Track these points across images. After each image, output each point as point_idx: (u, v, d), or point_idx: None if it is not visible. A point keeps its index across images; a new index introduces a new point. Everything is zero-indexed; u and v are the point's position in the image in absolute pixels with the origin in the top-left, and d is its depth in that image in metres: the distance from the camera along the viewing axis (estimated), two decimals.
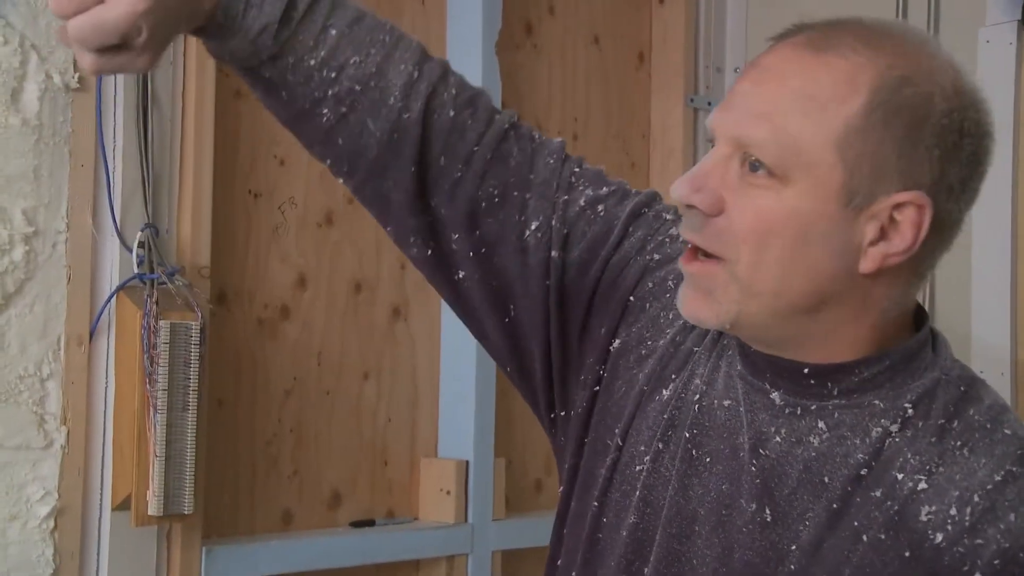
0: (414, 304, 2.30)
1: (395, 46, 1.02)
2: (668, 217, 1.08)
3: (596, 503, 1.03)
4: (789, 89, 0.90)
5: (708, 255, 0.92)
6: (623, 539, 0.99)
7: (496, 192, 1.04)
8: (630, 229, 1.07)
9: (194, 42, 1.88)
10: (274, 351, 2.10)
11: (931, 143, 0.89)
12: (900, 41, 0.91)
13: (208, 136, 1.91)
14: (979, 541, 0.87)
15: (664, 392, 1.02)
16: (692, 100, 2.76)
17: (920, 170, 0.89)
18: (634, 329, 1.05)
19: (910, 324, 0.97)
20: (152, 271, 1.81)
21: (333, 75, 0.99)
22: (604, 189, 1.08)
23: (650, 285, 1.05)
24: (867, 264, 0.90)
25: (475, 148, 1.04)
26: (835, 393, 0.94)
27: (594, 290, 1.06)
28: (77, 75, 1.77)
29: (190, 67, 1.89)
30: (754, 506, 0.93)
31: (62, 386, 1.75)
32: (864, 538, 0.89)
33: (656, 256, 1.06)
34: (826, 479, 0.92)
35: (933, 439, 0.92)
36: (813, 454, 0.93)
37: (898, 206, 0.89)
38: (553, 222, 1.05)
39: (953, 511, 0.88)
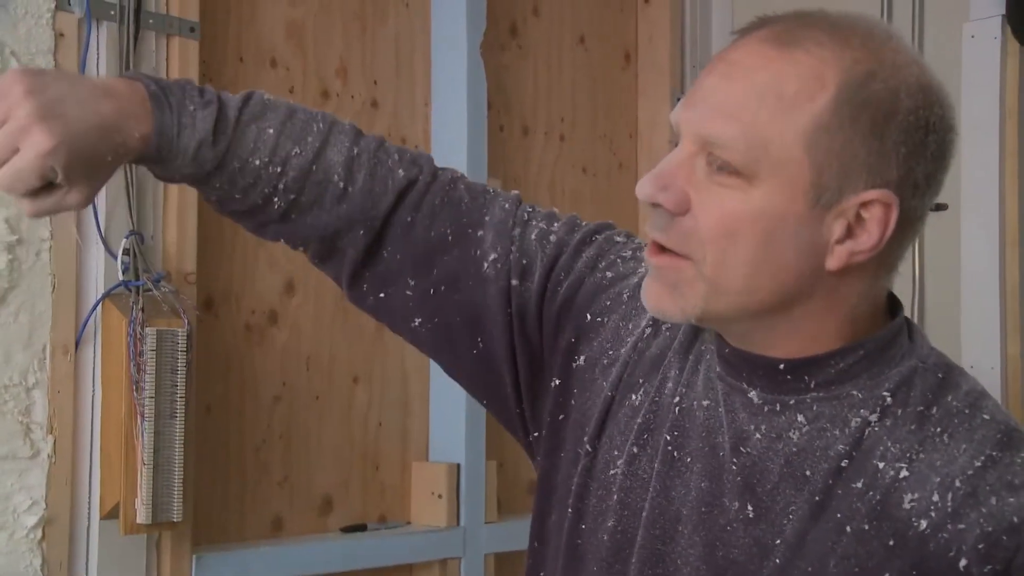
0: None
1: (330, 131, 1.08)
2: (619, 240, 1.11)
3: (571, 510, 1.03)
4: (755, 86, 0.89)
5: (674, 253, 0.92)
6: (603, 542, 0.99)
7: (449, 232, 1.09)
8: (582, 253, 1.09)
9: (177, 47, 1.88)
10: (263, 357, 2.09)
11: (898, 140, 0.88)
12: (865, 35, 0.91)
13: None
14: (962, 526, 0.87)
15: (634, 397, 1.02)
16: (679, 99, 2.76)
17: (887, 167, 0.88)
18: (595, 344, 1.06)
19: (883, 313, 0.97)
20: (138, 278, 1.80)
21: (279, 169, 1.05)
22: (555, 223, 1.12)
23: (607, 302, 1.07)
24: (833, 262, 0.90)
25: (424, 195, 1.09)
26: (812, 386, 0.93)
27: (554, 312, 1.08)
28: None
29: (172, 72, 1.88)
30: (736, 504, 0.93)
31: (48, 395, 1.75)
32: (848, 529, 0.89)
33: (609, 274, 1.08)
34: (807, 472, 0.92)
35: (913, 426, 0.91)
36: (794, 449, 0.93)
37: (865, 204, 0.88)
38: (511, 253, 1.08)
39: (935, 498, 0.88)
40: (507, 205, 1.12)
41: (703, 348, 1.01)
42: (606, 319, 1.07)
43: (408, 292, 1.09)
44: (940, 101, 0.91)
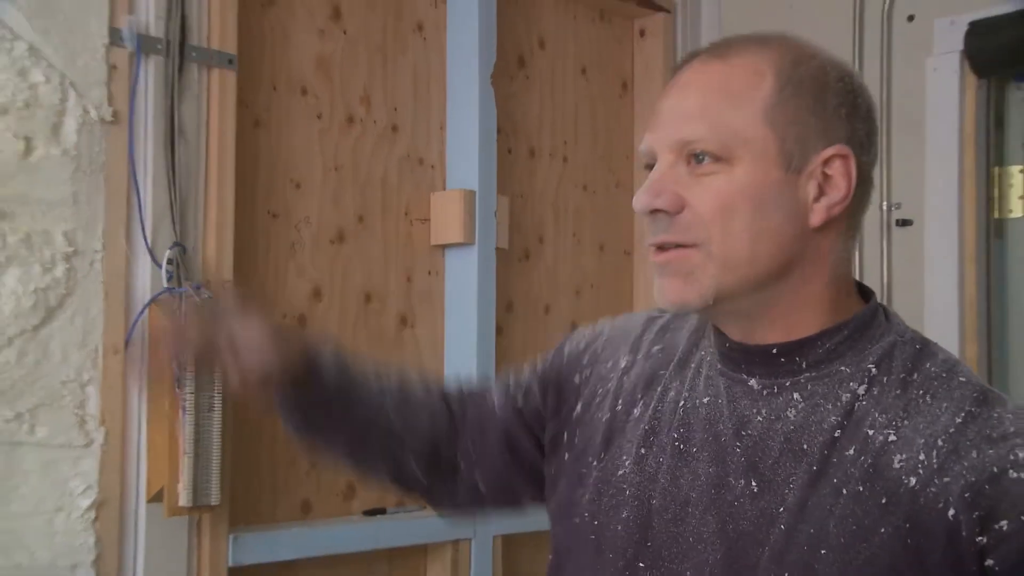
0: (419, 313, 2.31)
1: (415, 392, 1.21)
2: (579, 329, 1.19)
3: (586, 514, 1.04)
4: (709, 90, 0.95)
5: (679, 246, 0.95)
6: (618, 533, 1.00)
7: (479, 438, 1.19)
8: (561, 351, 1.18)
9: (217, 78, 1.90)
10: None
11: (837, 103, 0.95)
12: (782, 39, 0.99)
13: (230, 162, 1.91)
14: (948, 479, 0.87)
15: (636, 411, 1.05)
16: None
17: (836, 127, 0.95)
18: (586, 392, 1.12)
19: (857, 298, 1.00)
20: (180, 285, 1.80)
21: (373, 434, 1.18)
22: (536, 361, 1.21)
23: (585, 360, 1.14)
24: (816, 218, 0.94)
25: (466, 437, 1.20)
26: (804, 367, 0.96)
27: (553, 397, 1.15)
28: (111, 109, 1.77)
29: (213, 100, 1.89)
30: (742, 481, 0.94)
31: (100, 390, 1.75)
32: (844, 492, 0.90)
33: (581, 344, 1.16)
34: (804, 446, 0.93)
35: (898, 391, 0.93)
36: (791, 426, 0.94)
37: (827, 161, 0.94)
38: (510, 390, 1.20)
39: (922, 456, 0.89)
40: (501, 381, 1.22)
41: (702, 355, 1.04)
42: (590, 372, 1.13)
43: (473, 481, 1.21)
44: (856, 75, 0.98)
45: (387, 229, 2.27)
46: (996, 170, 2.40)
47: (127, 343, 1.78)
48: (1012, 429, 0.88)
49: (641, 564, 0.98)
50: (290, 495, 2.09)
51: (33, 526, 1.68)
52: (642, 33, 2.77)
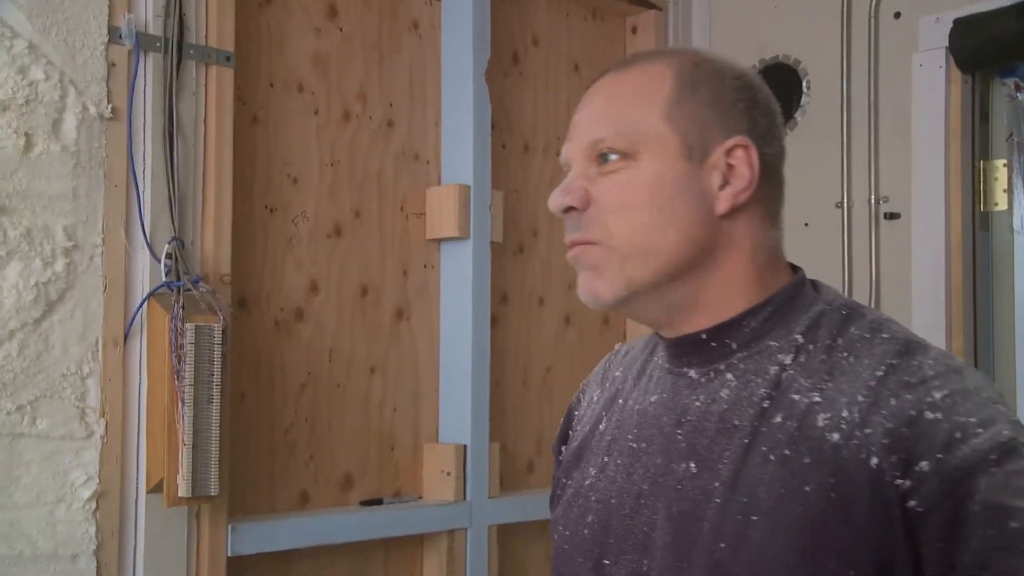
0: (415, 306, 2.32)
1: None
2: (578, 393, 1.20)
3: (560, 526, 1.07)
4: (615, 95, 0.99)
5: (586, 242, 0.98)
6: (584, 537, 1.02)
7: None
8: (570, 413, 1.19)
9: (215, 75, 1.90)
10: (290, 349, 2.10)
11: (735, 98, 0.97)
12: (684, 51, 1.02)
13: (228, 158, 1.91)
14: (869, 430, 0.87)
15: (601, 426, 1.08)
16: None
17: (735, 120, 0.97)
18: (571, 433, 1.15)
19: (789, 277, 1.01)
20: (179, 279, 1.80)
21: None
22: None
23: (576, 413, 1.17)
24: (722, 205, 0.96)
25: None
26: (735, 348, 0.97)
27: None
28: (111, 106, 1.77)
29: (211, 96, 1.89)
30: (683, 465, 0.95)
31: (100, 383, 1.75)
32: (772, 457, 0.90)
33: (573, 403, 1.19)
34: (736, 421, 0.94)
35: (823, 356, 0.93)
36: (724, 406, 0.95)
37: (729, 151, 0.96)
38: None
39: (844, 412, 0.89)
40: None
41: (656, 361, 1.05)
42: (575, 422, 1.16)
43: None
44: (755, 75, 1.01)
45: (383, 223, 2.26)
46: (981, 164, 2.40)
47: (126, 336, 1.78)
48: (931, 373, 0.88)
49: (606, 561, 0.99)
50: (288, 486, 2.09)
51: (35, 516, 1.68)
52: (634, 30, 2.76)
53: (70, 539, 1.71)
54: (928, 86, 2.37)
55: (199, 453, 1.76)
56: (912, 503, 0.85)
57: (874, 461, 0.86)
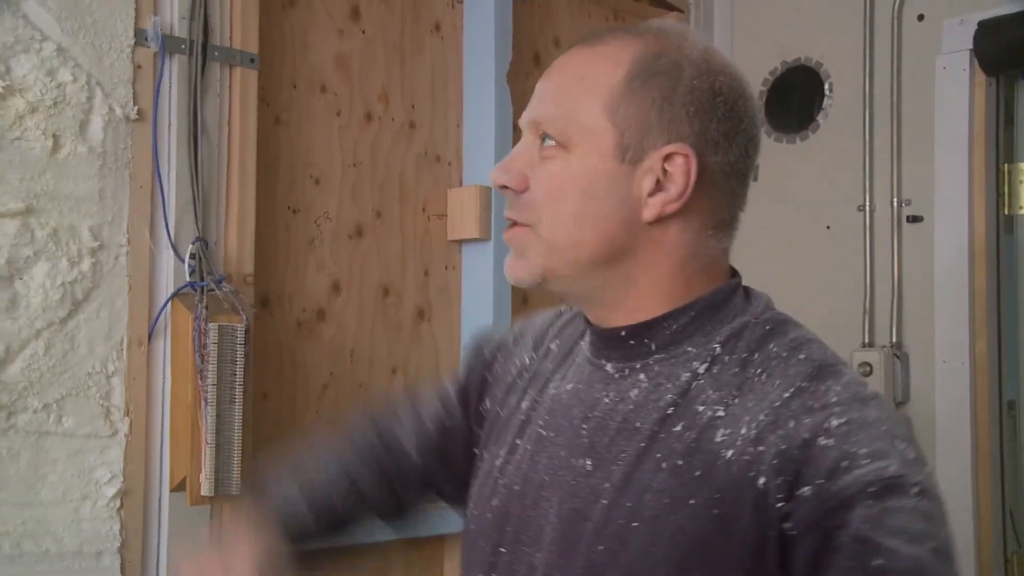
0: (436, 306, 2.32)
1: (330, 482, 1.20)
2: (500, 332, 1.19)
3: (472, 504, 1.06)
4: (566, 75, 0.96)
5: (520, 224, 0.97)
6: (488, 520, 1.02)
7: (430, 468, 1.19)
8: (480, 350, 1.19)
9: (238, 76, 1.91)
10: (312, 350, 2.11)
11: (686, 101, 0.92)
12: (660, 31, 0.96)
13: (251, 159, 1.92)
14: (762, 448, 0.85)
15: (523, 404, 1.06)
16: None
17: (680, 125, 0.92)
18: (495, 390, 1.13)
19: (723, 281, 0.98)
20: (202, 279, 1.81)
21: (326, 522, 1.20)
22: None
23: (500, 358, 1.14)
24: (648, 213, 0.93)
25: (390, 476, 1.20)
26: (654, 349, 0.95)
27: (473, 395, 1.16)
28: (136, 108, 1.79)
29: (234, 98, 1.90)
30: (581, 461, 0.95)
31: (125, 382, 1.76)
32: (664, 466, 0.89)
33: (495, 343, 1.17)
34: (638, 424, 0.92)
35: (736, 370, 0.91)
36: (631, 406, 0.94)
37: (668, 158, 0.92)
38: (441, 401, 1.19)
39: (743, 430, 0.87)
40: (425, 412, 1.20)
41: (580, 345, 1.04)
42: (500, 369, 1.14)
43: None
44: (725, 71, 0.94)
45: (405, 224, 2.28)
46: (1005, 167, 2.39)
47: (150, 336, 1.80)
48: (834, 400, 0.86)
49: (503, 549, 0.99)
50: None
51: (61, 514, 1.69)
52: None
53: (95, 536, 1.72)
54: (952, 89, 2.37)
55: (222, 452, 1.77)
56: (787, 525, 0.83)
57: (761, 481, 0.84)
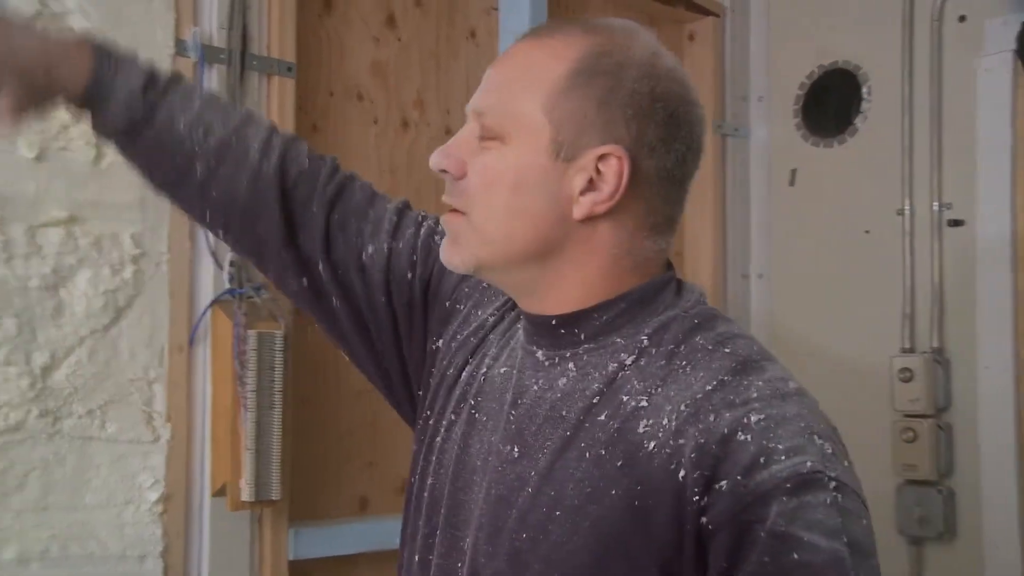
0: None
1: (250, 117, 1.11)
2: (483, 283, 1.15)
3: (414, 477, 1.06)
4: (511, 67, 0.96)
5: (456, 211, 0.97)
6: (424, 499, 1.02)
7: (340, 220, 1.11)
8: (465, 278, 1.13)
9: (276, 85, 1.93)
10: None
11: (624, 103, 0.92)
12: (612, 29, 0.96)
13: None
14: (682, 441, 0.86)
15: (463, 374, 1.06)
16: (720, 126, 2.77)
17: (617, 127, 0.92)
18: (451, 327, 1.10)
19: (657, 275, 0.98)
20: (241, 287, 1.82)
21: (202, 133, 1.07)
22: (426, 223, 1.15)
23: (466, 289, 1.11)
24: (579, 211, 0.93)
25: (325, 187, 1.11)
26: (583, 339, 0.96)
27: (423, 304, 1.12)
28: None
29: (272, 106, 1.92)
30: (508, 447, 0.95)
31: (166, 388, 1.77)
32: (587, 455, 0.90)
33: (478, 285, 1.12)
34: (564, 412, 0.93)
35: (662, 362, 0.92)
36: (559, 395, 0.95)
37: (602, 158, 0.92)
38: (384, 246, 1.11)
39: (665, 421, 0.88)
40: (388, 205, 1.15)
41: (517, 326, 1.04)
42: (461, 305, 1.11)
43: (321, 274, 1.11)
44: (669, 77, 0.94)
45: None
46: None
47: (191, 343, 1.81)
48: (754, 395, 0.87)
49: (438, 531, 0.99)
50: (348, 491, 2.11)
51: (104, 518, 1.71)
52: (691, 37, 2.76)
53: (138, 540, 1.74)
54: (994, 91, 2.35)
55: (261, 458, 1.78)
56: (705, 519, 0.84)
57: (681, 474, 0.85)
